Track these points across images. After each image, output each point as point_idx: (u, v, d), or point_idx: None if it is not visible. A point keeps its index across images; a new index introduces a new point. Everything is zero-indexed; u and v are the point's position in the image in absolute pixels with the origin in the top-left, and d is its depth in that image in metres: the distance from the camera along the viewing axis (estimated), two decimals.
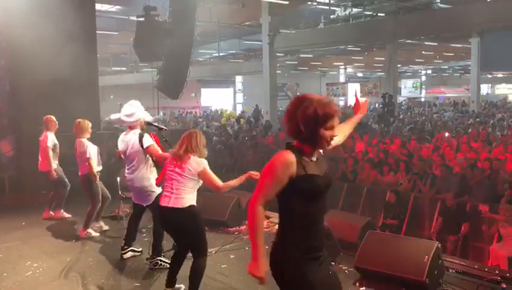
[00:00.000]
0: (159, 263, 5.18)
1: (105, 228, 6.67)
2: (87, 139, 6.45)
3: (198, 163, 4.21)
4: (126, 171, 5.37)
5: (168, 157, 4.48)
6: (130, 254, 5.57)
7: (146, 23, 12.37)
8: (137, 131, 5.27)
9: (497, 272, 4.96)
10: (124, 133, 5.43)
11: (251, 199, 2.46)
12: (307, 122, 2.43)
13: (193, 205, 4.26)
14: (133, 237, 5.62)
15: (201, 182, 4.30)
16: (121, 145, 5.36)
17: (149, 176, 5.22)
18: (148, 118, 5.49)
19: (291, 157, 2.44)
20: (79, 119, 6.50)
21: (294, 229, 2.52)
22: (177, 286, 4.48)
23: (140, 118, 5.33)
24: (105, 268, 5.30)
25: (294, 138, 2.52)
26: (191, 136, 4.26)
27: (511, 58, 17.15)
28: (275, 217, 7.22)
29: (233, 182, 4.28)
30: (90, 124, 6.55)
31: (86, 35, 9.49)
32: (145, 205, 5.35)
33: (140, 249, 5.65)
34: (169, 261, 4.98)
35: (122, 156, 5.39)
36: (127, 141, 5.29)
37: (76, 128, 6.43)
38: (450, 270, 5.02)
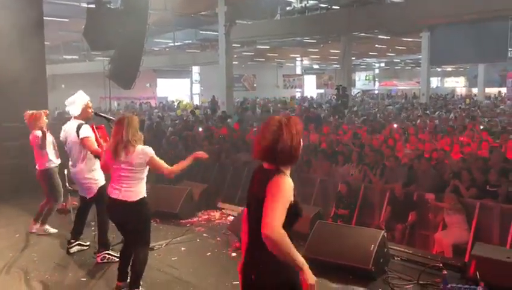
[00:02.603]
0: (107, 256, 5.07)
1: (53, 231, 6.19)
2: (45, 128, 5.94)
3: (145, 153, 4.12)
4: (70, 162, 5.22)
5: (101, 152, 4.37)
6: (76, 248, 5.41)
7: (97, 10, 11.96)
8: (78, 121, 5.09)
9: (439, 259, 5.14)
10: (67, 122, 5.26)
11: (268, 226, 2.30)
12: (294, 141, 2.42)
13: (143, 197, 4.20)
14: (80, 231, 5.46)
15: (148, 168, 4.22)
16: (62, 135, 5.23)
17: (89, 167, 5.06)
18: (85, 97, 5.19)
19: (291, 183, 2.42)
20: (30, 111, 6.00)
21: None
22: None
23: (83, 105, 5.11)
24: (50, 263, 5.13)
25: (274, 161, 2.45)
26: (123, 126, 4.08)
27: (459, 52, 17.76)
28: (230, 209, 7.25)
29: (181, 165, 4.23)
30: (43, 112, 6.01)
31: (32, 22, 9.05)
32: (87, 197, 5.18)
33: (87, 243, 5.51)
34: (117, 255, 4.90)
35: (64, 147, 5.22)
36: (67, 130, 5.15)
37: (29, 121, 5.94)
38: (396, 258, 5.16)
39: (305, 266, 2.39)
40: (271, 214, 2.31)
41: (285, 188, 2.38)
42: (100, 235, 5.09)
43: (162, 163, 4.18)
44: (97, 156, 4.95)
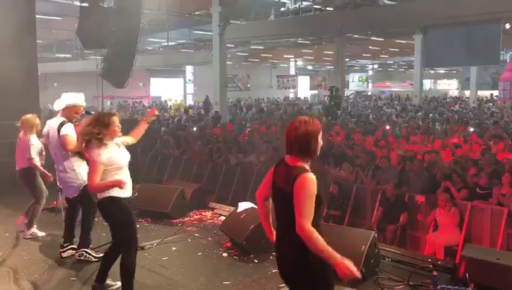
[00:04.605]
0: (84, 254, 5.03)
1: (41, 234, 6.04)
2: (34, 134, 5.96)
3: (97, 154, 3.94)
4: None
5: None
6: (70, 252, 5.25)
7: (90, 8, 11.95)
8: (62, 119, 5.01)
9: (429, 260, 5.16)
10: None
11: (300, 226, 2.61)
12: (316, 137, 2.77)
13: (112, 197, 3.94)
14: (72, 234, 5.32)
15: (112, 169, 3.96)
16: (45, 129, 5.18)
17: (72, 166, 4.95)
18: (80, 102, 5.14)
19: (314, 178, 2.69)
20: (27, 116, 5.99)
21: None
22: (110, 282, 4.30)
23: (68, 104, 5.04)
24: (40, 263, 5.10)
25: (302, 157, 2.75)
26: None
27: (452, 54, 17.81)
28: (221, 209, 7.23)
29: (104, 184, 3.91)
30: (37, 120, 6.04)
31: (24, 21, 8.99)
32: (70, 197, 5.11)
33: None
34: (96, 255, 5.00)
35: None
36: (49, 126, 5.09)
37: (24, 124, 5.94)
38: (386, 259, 5.17)
39: (336, 258, 2.59)
40: (301, 214, 2.62)
41: (310, 187, 2.65)
42: (82, 234, 5.04)
43: (93, 173, 3.96)
44: (80, 155, 4.88)
